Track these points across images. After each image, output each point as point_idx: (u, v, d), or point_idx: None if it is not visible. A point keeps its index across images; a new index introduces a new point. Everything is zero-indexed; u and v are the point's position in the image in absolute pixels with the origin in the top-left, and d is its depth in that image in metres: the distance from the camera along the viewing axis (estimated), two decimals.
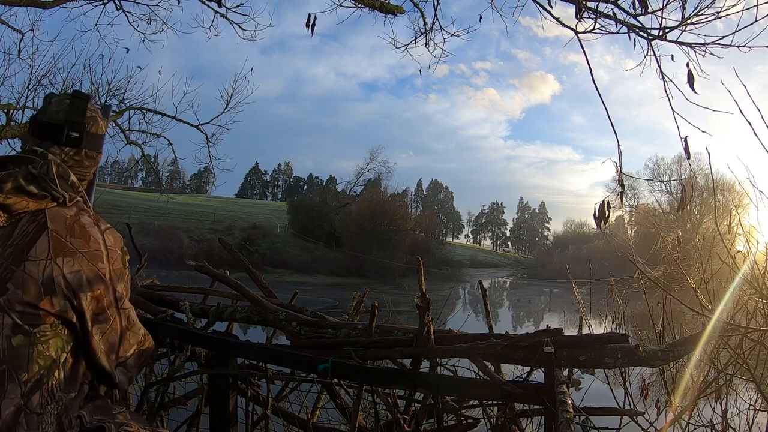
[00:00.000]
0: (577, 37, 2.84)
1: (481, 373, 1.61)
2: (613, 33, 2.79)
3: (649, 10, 2.65)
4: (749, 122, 1.60)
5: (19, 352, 0.94)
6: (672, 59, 2.62)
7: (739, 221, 1.89)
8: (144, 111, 6.49)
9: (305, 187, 78.12)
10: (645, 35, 2.75)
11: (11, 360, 0.93)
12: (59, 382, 1.00)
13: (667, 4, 2.59)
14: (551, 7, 3.05)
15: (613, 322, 2.42)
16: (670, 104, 2.56)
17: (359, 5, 4.03)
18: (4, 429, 0.91)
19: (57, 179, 1.04)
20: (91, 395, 1.12)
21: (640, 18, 2.73)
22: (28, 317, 0.95)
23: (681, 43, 2.61)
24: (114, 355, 1.09)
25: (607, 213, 2.45)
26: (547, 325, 1.56)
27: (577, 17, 2.79)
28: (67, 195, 1.05)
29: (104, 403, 1.15)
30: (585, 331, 1.83)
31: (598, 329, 2.29)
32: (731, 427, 1.89)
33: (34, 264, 0.96)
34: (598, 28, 2.79)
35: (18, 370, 0.93)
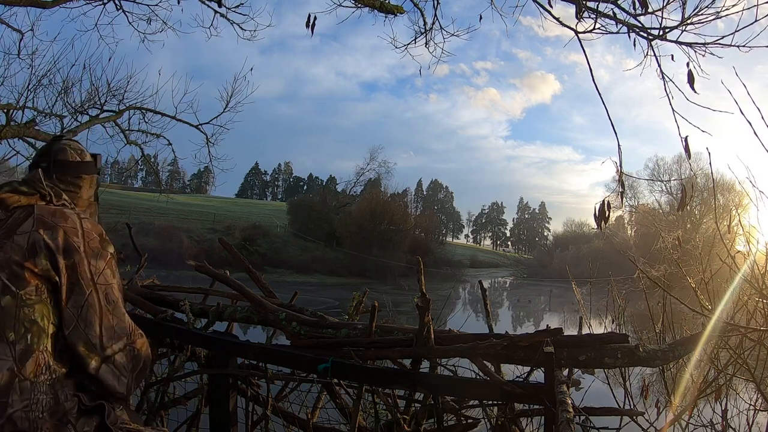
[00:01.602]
0: (577, 37, 2.84)
1: (481, 373, 1.61)
2: (613, 33, 2.78)
3: (649, 10, 2.65)
4: (749, 122, 1.59)
5: (6, 311, 1.06)
6: (672, 59, 2.62)
7: (739, 221, 1.89)
8: (144, 111, 6.47)
9: (305, 187, 78.10)
10: (645, 35, 2.74)
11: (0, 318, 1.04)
12: (49, 354, 1.09)
13: (667, 4, 2.59)
14: (551, 6, 3.05)
15: (613, 322, 2.42)
16: (670, 104, 2.56)
17: (359, 5, 4.03)
18: None
19: (48, 185, 1.25)
20: (90, 384, 1.16)
21: (640, 18, 2.72)
22: (15, 279, 1.09)
23: (681, 43, 2.61)
24: (95, 338, 1.13)
25: (607, 213, 2.45)
26: (547, 325, 1.56)
27: (577, 17, 2.78)
28: (54, 193, 1.25)
29: (100, 393, 1.17)
30: (585, 331, 1.83)
31: (598, 329, 2.29)
32: (731, 427, 1.89)
33: (21, 236, 1.14)
34: (598, 28, 2.79)
35: (5, 329, 1.04)
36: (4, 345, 1.04)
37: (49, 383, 1.07)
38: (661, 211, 35.33)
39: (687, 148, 2.33)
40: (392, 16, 4.23)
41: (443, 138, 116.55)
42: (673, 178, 33.72)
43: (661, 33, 2.68)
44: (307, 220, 35.70)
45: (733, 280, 1.79)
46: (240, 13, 5.24)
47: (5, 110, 5.25)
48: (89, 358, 1.12)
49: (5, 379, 1.01)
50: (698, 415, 1.90)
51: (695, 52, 2.57)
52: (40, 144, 5.06)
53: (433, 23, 4.21)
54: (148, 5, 5.23)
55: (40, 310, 1.10)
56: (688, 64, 2.50)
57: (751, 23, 2.26)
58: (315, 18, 3.36)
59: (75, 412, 1.09)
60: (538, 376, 1.52)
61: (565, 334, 1.55)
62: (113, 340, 1.16)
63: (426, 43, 4.28)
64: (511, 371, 1.68)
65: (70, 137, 1.46)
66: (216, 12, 5.18)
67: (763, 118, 1.59)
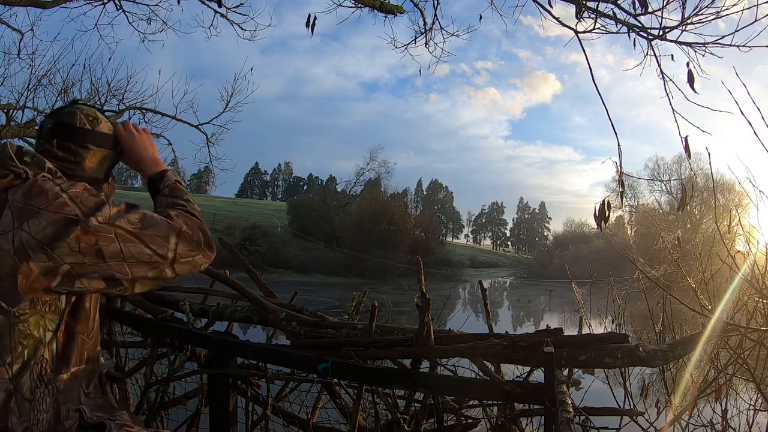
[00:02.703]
0: (577, 36, 2.84)
1: (481, 373, 1.61)
2: (613, 33, 2.79)
3: (649, 9, 2.65)
4: (749, 122, 1.59)
5: (1, 333, 0.93)
6: (672, 59, 2.62)
7: (739, 221, 1.89)
8: (144, 111, 6.48)
9: (305, 187, 78.14)
10: (645, 35, 2.74)
11: None
12: (47, 363, 0.99)
13: (667, 3, 2.59)
14: (551, 6, 3.05)
15: (613, 322, 2.42)
16: (671, 104, 2.56)
17: (359, 5, 4.03)
18: None
19: (25, 161, 1.04)
20: (93, 394, 1.12)
21: (640, 18, 2.73)
22: (6, 294, 0.93)
23: (681, 43, 2.61)
24: (153, 257, 1.02)
25: (607, 213, 2.45)
26: (547, 325, 1.56)
27: (577, 17, 2.79)
28: (31, 171, 1.03)
29: (106, 401, 1.15)
30: (585, 331, 1.83)
31: (598, 329, 2.29)
32: (731, 427, 1.89)
33: (3, 237, 0.95)
34: (598, 28, 2.80)
35: (2, 352, 0.93)
36: (1, 368, 0.93)
37: (50, 397, 0.98)
38: (661, 211, 35.33)
39: (687, 148, 2.33)
40: (392, 16, 4.23)
41: (443, 138, 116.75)
42: (673, 178, 33.78)
43: (661, 33, 2.68)
44: (307, 220, 35.69)
45: (733, 280, 1.79)
46: (240, 13, 5.25)
47: (5, 110, 5.26)
48: (160, 274, 1.04)
49: (2, 400, 0.92)
50: (698, 415, 1.90)
51: (695, 52, 2.57)
52: None
53: (433, 23, 4.22)
54: (148, 5, 5.24)
55: (36, 321, 0.97)
56: (688, 64, 2.50)
57: (751, 23, 2.26)
58: (315, 18, 3.37)
59: (75, 430, 1.02)
60: (538, 376, 1.52)
61: (565, 334, 1.55)
62: (165, 245, 1.04)
63: (426, 43, 4.28)
64: (511, 371, 1.68)
65: (92, 105, 1.25)
66: (216, 12, 5.18)
67: (763, 118, 1.59)
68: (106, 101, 6.15)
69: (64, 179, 1.07)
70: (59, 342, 1.01)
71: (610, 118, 2.81)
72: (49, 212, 0.97)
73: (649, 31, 2.73)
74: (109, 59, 6.11)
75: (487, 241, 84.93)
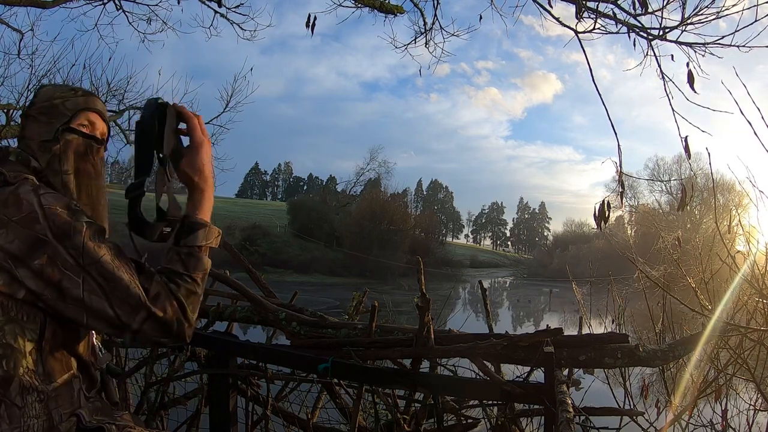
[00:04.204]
0: (577, 36, 2.84)
1: (481, 373, 1.61)
2: (613, 33, 2.78)
3: (649, 10, 2.65)
4: (749, 122, 1.60)
5: None
6: (672, 59, 2.62)
7: (739, 221, 1.89)
8: None
9: (305, 187, 78.13)
10: (645, 35, 2.74)
11: None
12: (32, 373, 0.93)
13: (667, 3, 2.59)
14: (551, 6, 3.05)
15: (613, 322, 2.42)
16: (670, 104, 2.56)
17: (359, 5, 4.03)
18: None
19: (6, 163, 0.96)
20: (94, 397, 1.11)
21: (640, 18, 2.72)
22: None
23: (681, 43, 2.61)
24: (115, 320, 0.92)
25: (607, 213, 2.45)
26: (547, 325, 1.56)
27: (576, 17, 2.78)
28: (11, 174, 0.95)
29: (105, 404, 1.14)
30: (585, 331, 1.84)
31: (598, 329, 2.30)
32: (731, 427, 1.89)
33: None
34: (598, 28, 2.79)
35: None
36: None
37: (40, 402, 0.93)
38: (661, 211, 35.32)
39: (687, 148, 2.33)
40: (392, 16, 4.23)
41: (444, 138, 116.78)
42: (673, 178, 33.79)
43: (661, 33, 2.68)
44: (307, 220, 35.71)
45: (733, 280, 1.80)
46: (240, 13, 5.23)
47: (5, 110, 5.26)
48: (121, 335, 0.94)
49: None
50: (698, 415, 1.90)
51: (695, 52, 2.57)
52: None
53: (433, 23, 4.21)
54: (148, 5, 5.22)
55: (11, 330, 0.90)
56: (688, 64, 2.50)
57: (752, 23, 2.26)
58: (315, 18, 3.36)
59: None
60: (538, 376, 1.52)
61: (565, 334, 1.55)
62: (132, 316, 0.93)
63: (426, 43, 4.28)
64: (511, 371, 1.69)
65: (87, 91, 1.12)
66: (216, 12, 5.17)
67: (763, 118, 1.59)
68: (106, 101, 6.13)
69: (50, 181, 1.01)
70: (45, 350, 0.95)
71: (610, 118, 2.81)
72: (18, 226, 0.89)
73: (649, 31, 2.73)
74: (109, 59, 6.13)
75: (487, 241, 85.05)
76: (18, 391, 0.90)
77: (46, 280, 0.89)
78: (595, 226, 2.46)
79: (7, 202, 0.90)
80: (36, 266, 0.88)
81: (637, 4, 2.67)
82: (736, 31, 2.33)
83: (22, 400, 0.91)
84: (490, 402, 1.70)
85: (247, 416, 1.97)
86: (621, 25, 2.75)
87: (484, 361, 1.59)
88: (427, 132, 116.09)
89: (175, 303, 0.97)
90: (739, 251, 1.89)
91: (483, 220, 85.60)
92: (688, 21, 2.52)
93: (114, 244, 0.96)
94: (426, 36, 4.26)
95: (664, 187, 35.64)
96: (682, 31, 2.57)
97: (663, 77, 2.66)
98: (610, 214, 2.52)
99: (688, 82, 2.44)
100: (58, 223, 0.91)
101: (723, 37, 2.45)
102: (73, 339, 1.01)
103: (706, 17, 2.46)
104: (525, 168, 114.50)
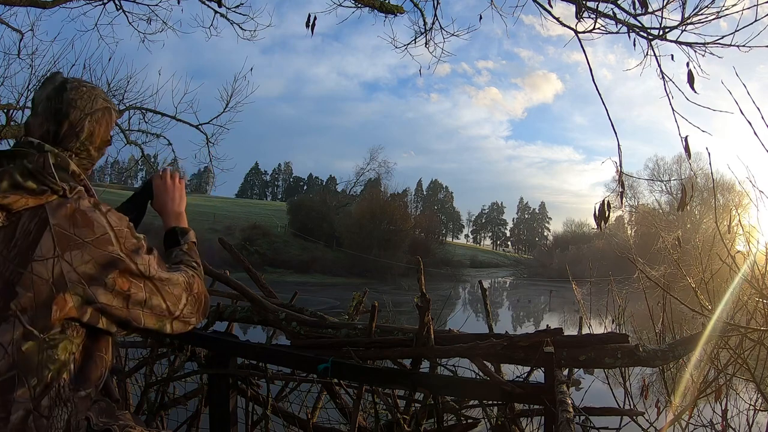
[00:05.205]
0: (577, 36, 2.84)
1: (481, 373, 1.61)
2: (613, 33, 2.78)
3: (649, 9, 2.65)
4: (749, 122, 1.60)
5: (29, 357, 0.91)
6: (672, 59, 2.62)
7: (739, 221, 1.89)
8: (144, 111, 6.49)
9: (305, 187, 78.10)
10: (645, 35, 2.74)
11: (21, 366, 0.91)
12: (67, 383, 0.98)
13: (667, 3, 2.59)
14: (551, 6, 3.05)
15: (613, 322, 2.42)
16: (671, 104, 2.56)
17: (359, 5, 4.03)
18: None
19: (55, 170, 1.00)
20: (99, 397, 1.12)
21: (640, 18, 2.72)
22: (39, 321, 0.92)
23: (681, 43, 2.61)
24: (164, 312, 1.08)
25: (607, 213, 2.45)
26: (547, 325, 1.56)
27: (577, 17, 2.78)
28: (68, 186, 1.00)
29: (108, 404, 1.15)
30: (585, 331, 1.84)
31: (598, 329, 2.29)
32: (731, 427, 1.89)
33: (42, 264, 0.92)
34: (598, 28, 2.79)
35: (28, 375, 0.92)
36: (25, 390, 0.91)
37: (67, 414, 0.98)
38: (661, 211, 35.34)
39: (687, 148, 2.33)
40: (392, 16, 4.23)
41: (444, 138, 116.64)
42: (673, 178, 33.83)
43: (661, 33, 2.68)
44: (307, 220, 35.71)
45: (733, 280, 1.80)
46: (240, 13, 5.24)
47: (5, 110, 5.26)
48: (163, 327, 1.09)
49: (20, 418, 0.91)
50: (698, 415, 1.90)
51: (695, 52, 2.57)
52: None
53: (433, 23, 4.21)
54: (148, 5, 5.23)
55: (64, 347, 0.96)
56: (688, 64, 2.50)
57: (752, 23, 2.26)
58: (315, 18, 3.37)
59: None
60: (538, 376, 1.52)
61: (565, 334, 1.55)
62: (177, 304, 1.10)
63: (426, 43, 4.28)
64: (511, 371, 1.69)
65: (80, 81, 1.13)
66: (216, 12, 5.18)
67: (763, 118, 1.59)
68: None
69: (90, 187, 1.09)
70: (77, 362, 1.00)
71: (610, 119, 2.81)
72: (93, 247, 0.97)
73: (649, 31, 2.73)
74: (109, 59, 6.12)
75: (487, 241, 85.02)
76: (48, 403, 0.95)
77: (116, 292, 1.00)
78: (595, 226, 2.46)
79: (76, 222, 0.97)
80: (109, 281, 0.98)
81: (637, 4, 2.67)
82: (736, 30, 2.33)
83: (50, 412, 0.95)
84: (490, 402, 1.70)
85: (247, 416, 1.97)
86: (621, 25, 2.75)
87: (484, 361, 1.59)
88: (428, 132, 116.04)
89: (201, 282, 1.20)
90: (739, 251, 1.88)
91: (483, 220, 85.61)
92: (688, 21, 2.52)
93: (155, 249, 1.11)
94: (426, 36, 4.26)
95: (664, 187, 35.68)
96: (682, 31, 2.57)
97: (663, 77, 2.66)
98: (610, 214, 2.52)
99: (688, 82, 2.44)
100: (128, 245, 1.03)
101: (723, 36, 2.45)
102: (104, 347, 1.07)
103: (706, 17, 2.46)
104: (525, 168, 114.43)
